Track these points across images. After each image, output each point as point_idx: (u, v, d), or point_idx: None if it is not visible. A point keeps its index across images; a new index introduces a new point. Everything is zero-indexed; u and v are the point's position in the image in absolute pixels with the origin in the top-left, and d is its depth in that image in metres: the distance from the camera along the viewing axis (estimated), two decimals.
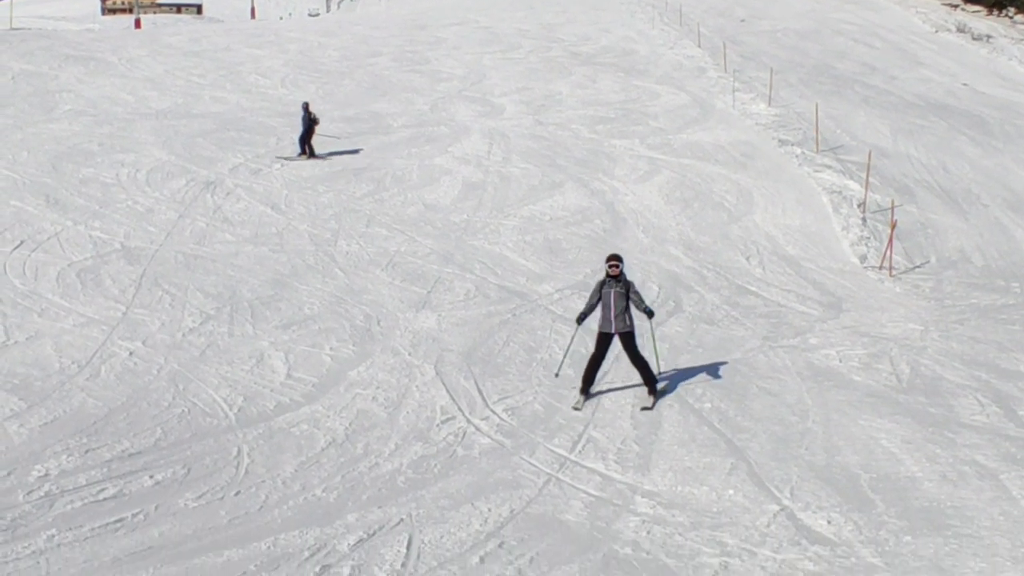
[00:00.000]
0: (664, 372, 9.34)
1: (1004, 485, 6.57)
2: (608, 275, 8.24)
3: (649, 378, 8.27)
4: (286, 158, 17.47)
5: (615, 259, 8.39)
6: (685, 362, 9.75)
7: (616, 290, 8.17)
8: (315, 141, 17.61)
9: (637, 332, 8.37)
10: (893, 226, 15.49)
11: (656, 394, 8.19)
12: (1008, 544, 5.59)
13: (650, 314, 8.35)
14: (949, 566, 5.39)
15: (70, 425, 7.55)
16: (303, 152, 17.48)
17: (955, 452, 7.39)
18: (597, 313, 8.42)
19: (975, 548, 5.59)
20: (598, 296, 8.26)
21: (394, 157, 18.42)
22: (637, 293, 8.35)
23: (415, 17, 37.63)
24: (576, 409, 7.90)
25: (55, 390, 8.49)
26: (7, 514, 5.69)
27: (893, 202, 16.82)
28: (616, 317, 8.12)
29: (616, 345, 8.28)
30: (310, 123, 17.59)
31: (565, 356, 9.15)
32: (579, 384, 8.27)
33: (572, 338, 8.89)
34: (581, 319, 8.45)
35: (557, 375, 8.98)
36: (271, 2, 68.01)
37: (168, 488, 6.34)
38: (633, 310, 8.45)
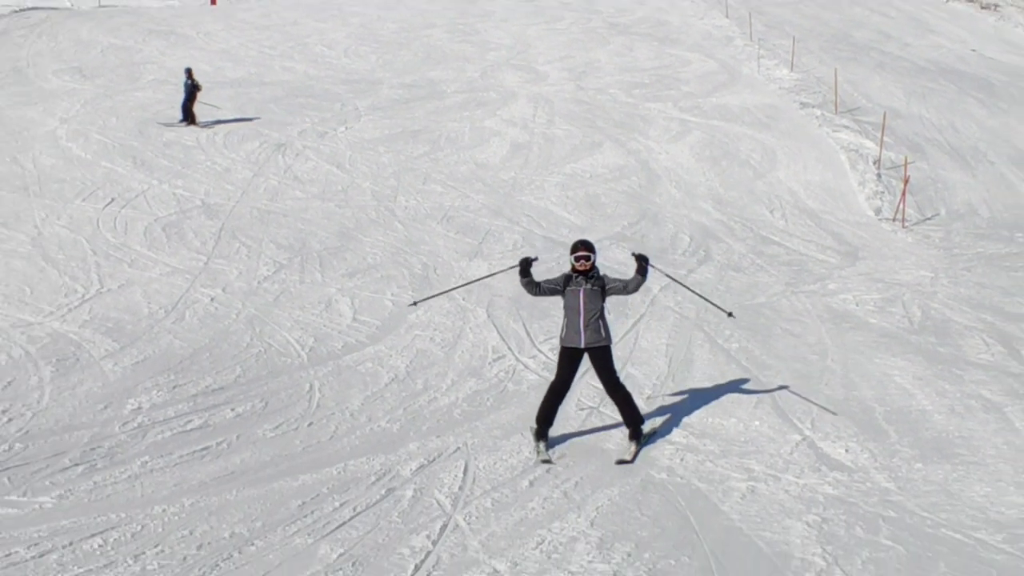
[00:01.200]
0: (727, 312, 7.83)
1: (1008, 417, 7.11)
2: (574, 269, 6.25)
3: (632, 417, 6.31)
4: (167, 124, 18.01)
5: (584, 248, 6.29)
6: (716, 309, 10.59)
7: (586, 288, 6.19)
8: (197, 108, 18.15)
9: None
10: (906, 181, 16.31)
11: (639, 440, 6.26)
12: (1011, 470, 6.01)
13: (643, 259, 6.46)
14: (957, 490, 5.79)
15: (159, 364, 8.29)
16: (184, 119, 18.01)
17: (962, 387, 7.96)
18: (560, 321, 6.48)
19: (980, 474, 5.98)
20: (559, 293, 6.33)
21: (448, 120, 19.84)
22: (618, 282, 6.43)
23: None
24: (545, 463, 6.00)
25: (144, 333, 9.24)
26: (105, 443, 6.30)
27: (906, 159, 17.64)
28: (586, 327, 6.16)
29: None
30: (192, 89, 18.13)
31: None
32: (534, 424, 6.29)
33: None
34: (528, 278, 6.42)
35: None
36: None
37: (248, 420, 6.97)
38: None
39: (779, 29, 29.69)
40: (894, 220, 15.77)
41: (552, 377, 6.86)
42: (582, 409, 7.26)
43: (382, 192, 15.35)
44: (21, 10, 30.56)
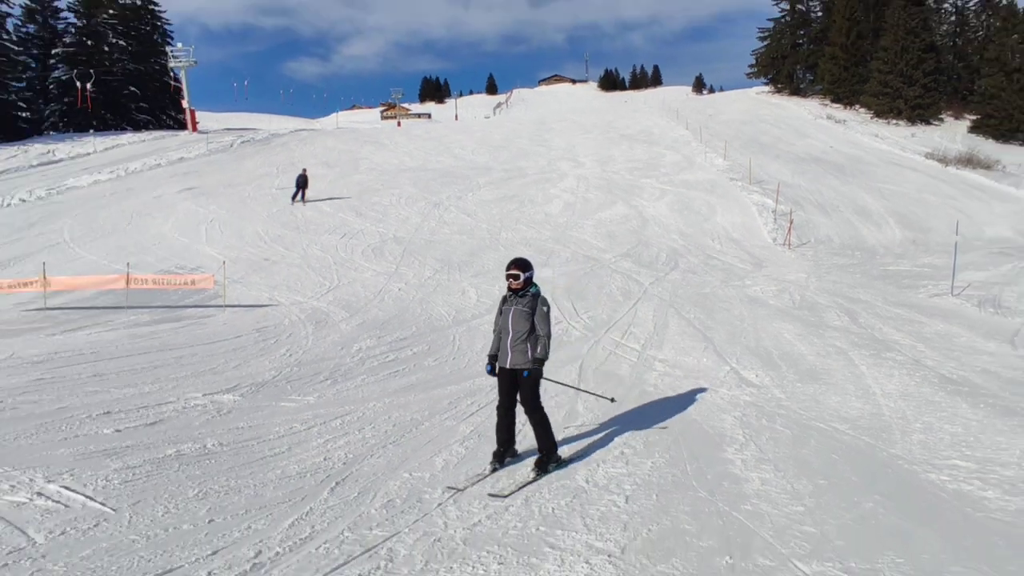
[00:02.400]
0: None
1: (851, 358, 9.93)
2: (509, 288, 5.67)
3: (544, 443, 5.71)
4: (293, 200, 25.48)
5: (516, 266, 5.64)
6: (681, 295, 14.20)
7: (516, 308, 5.63)
8: (308, 195, 25.42)
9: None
10: (791, 222, 23.36)
11: (544, 470, 5.67)
12: (853, 388, 8.42)
13: (536, 362, 5.60)
14: (821, 399, 8.00)
15: (370, 324, 12.09)
16: (301, 199, 25.05)
17: (824, 340, 10.92)
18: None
19: (835, 391, 8.32)
20: (499, 316, 5.73)
21: (529, 189, 28.24)
22: (543, 317, 5.61)
23: (540, 118, 59.64)
24: (494, 496, 5.28)
25: (362, 307, 13.38)
26: (341, 367, 9.55)
27: (791, 210, 25.01)
28: (512, 348, 5.60)
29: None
30: (304, 181, 24.90)
31: None
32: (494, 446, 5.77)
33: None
34: (492, 363, 5.80)
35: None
36: (465, 111, 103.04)
37: (419, 356, 10.32)
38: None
39: (717, 136, 41.58)
40: (784, 245, 22.15)
41: (588, 336, 10.28)
42: (605, 351, 10.25)
43: (492, 230, 22.25)
44: (296, 130, 48.66)
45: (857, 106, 57.54)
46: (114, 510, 5.17)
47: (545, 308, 5.64)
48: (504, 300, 5.76)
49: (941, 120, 55.17)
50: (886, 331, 11.55)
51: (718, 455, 6.44)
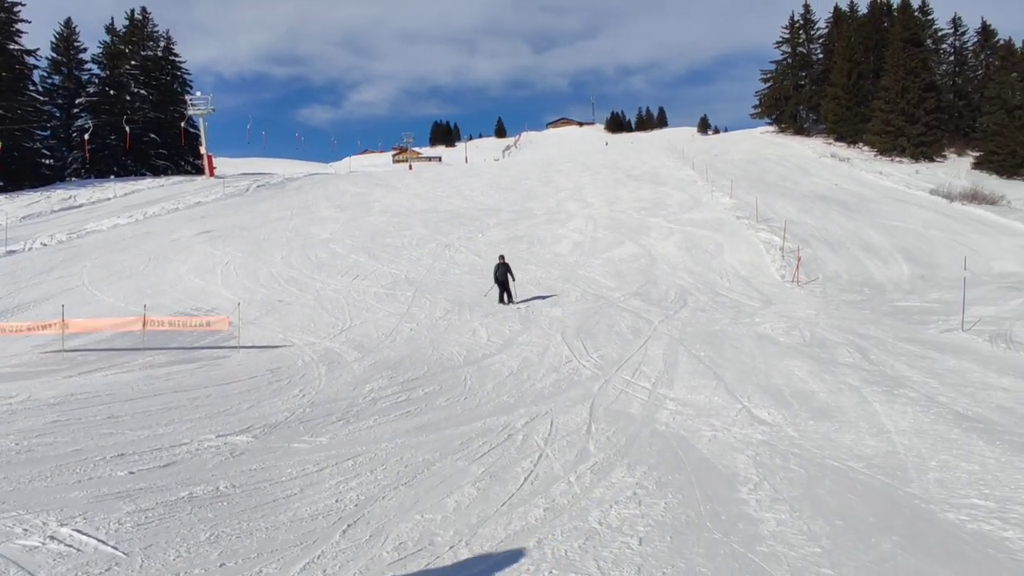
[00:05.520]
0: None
1: (863, 395, 9.84)
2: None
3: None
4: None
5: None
6: (690, 333, 14.20)
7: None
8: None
9: None
10: (799, 259, 23.36)
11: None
12: (867, 426, 8.31)
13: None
14: (835, 437, 7.82)
15: (382, 364, 12.06)
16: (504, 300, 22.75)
17: (836, 377, 10.81)
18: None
19: (848, 428, 8.18)
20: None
21: (538, 230, 28.61)
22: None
23: (548, 160, 61.06)
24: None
25: (375, 347, 13.41)
26: (353, 407, 9.52)
27: (798, 247, 25.01)
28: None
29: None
30: (505, 274, 22.06)
31: None
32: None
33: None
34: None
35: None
36: (475, 154, 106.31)
37: (431, 396, 10.25)
38: None
39: (723, 175, 41.89)
40: (792, 282, 22.04)
41: (598, 375, 10.36)
42: (616, 390, 10.23)
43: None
44: (309, 175, 51.05)
45: (860, 144, 58.35)
46: (126, 554, 5.17)
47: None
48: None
49: (944, 157, 55.52)
50: (898, 367, 11.46)
51: (732, 495, 6.37)
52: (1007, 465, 7.12)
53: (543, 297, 18.90)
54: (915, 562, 5.11)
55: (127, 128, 45.99)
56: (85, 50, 53.39)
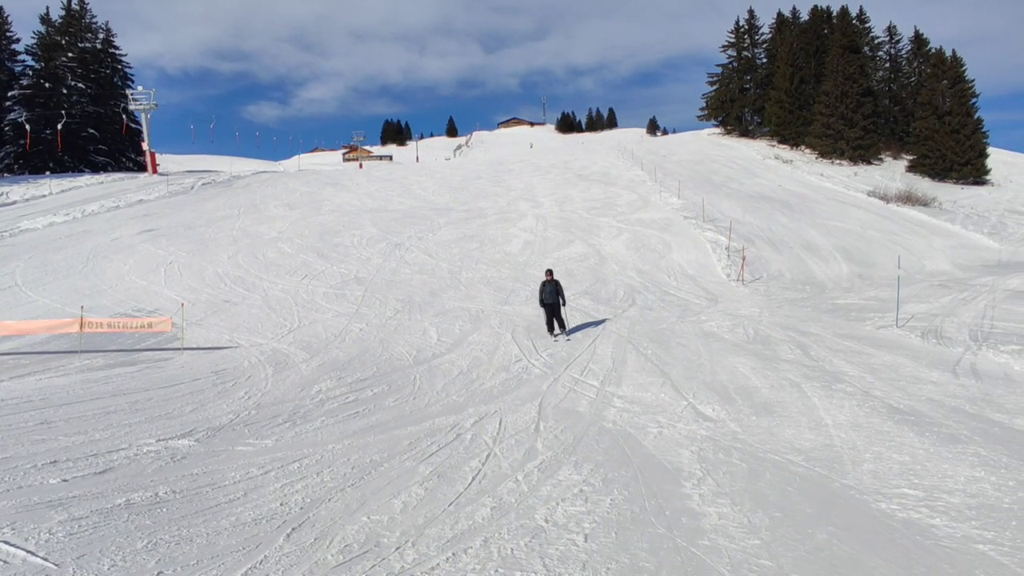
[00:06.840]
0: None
1: (804, 391, 10.10)
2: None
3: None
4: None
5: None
6: (639, 331, 14.38)
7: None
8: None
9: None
10: (743, 258, 23.91)
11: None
12: (806, 420, 8.59)
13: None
14: (776, 431, 8.18)
15: (331, 365, 11.85)
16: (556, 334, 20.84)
17: (778, 374, 11.10)
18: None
19: (789, 423, 8.48)
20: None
21: (489, 229, 28.19)
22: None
23: (499, 160, 61.11)
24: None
25: (323, 347, 13.13)
26: (300, 409, 9.37)
27: (744, 247, 25.64)
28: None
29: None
30: (555, 294, 20.75)
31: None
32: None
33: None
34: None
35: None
36: (426, 153, 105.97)
37: (380, 396, 10.14)
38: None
39: (672, 176, 42.84)
40: (738, 280, 22.57)
41: (547, 373, 10.41)
42: (565, 388, 10.31)
43: (453, 269, 22.16)
44: (257, 172, 49.41)
45: (802, 147, 60.29)
46: (57, 565, 4.99)
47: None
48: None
49: (881, 160, 57.87)
50: (836, 363, 11.81)
51: (676, 490, 6.49)
52: (935, 456, 7.45)
53: (494, 296, 18.98)
54: (849, 551, 5.31)
55: (61, 123, 44.00)
56: (18, 40, 50.97)
